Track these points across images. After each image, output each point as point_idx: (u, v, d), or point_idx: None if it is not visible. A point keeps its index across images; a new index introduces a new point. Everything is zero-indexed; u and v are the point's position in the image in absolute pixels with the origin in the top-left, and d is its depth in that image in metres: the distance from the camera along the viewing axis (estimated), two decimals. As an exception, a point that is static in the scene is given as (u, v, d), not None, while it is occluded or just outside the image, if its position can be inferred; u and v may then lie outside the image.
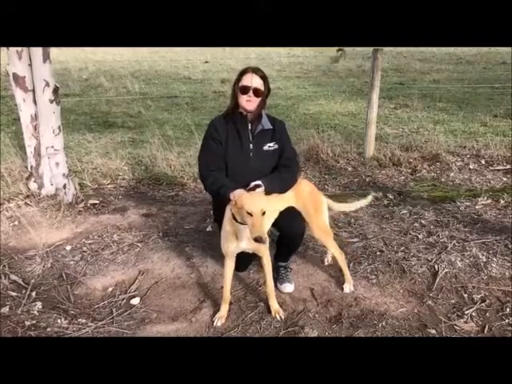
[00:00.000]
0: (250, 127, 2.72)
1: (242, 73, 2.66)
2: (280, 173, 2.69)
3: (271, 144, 2.74)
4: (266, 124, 2.73)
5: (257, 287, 2.92)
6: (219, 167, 2.66)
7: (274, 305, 2.64)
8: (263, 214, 2.24)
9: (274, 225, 2.70)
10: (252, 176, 2.58)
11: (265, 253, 2.57)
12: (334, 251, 2.87)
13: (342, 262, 2.88)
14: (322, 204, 2.83)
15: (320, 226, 2.79)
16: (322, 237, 2.82)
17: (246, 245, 2.50)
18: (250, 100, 2.63)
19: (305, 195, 2.78)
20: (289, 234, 2.75)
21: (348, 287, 2.85)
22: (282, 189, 2.66)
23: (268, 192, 2.55)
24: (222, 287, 2.67)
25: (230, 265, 2.61)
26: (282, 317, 2.60)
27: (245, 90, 2.62)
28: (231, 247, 2.53)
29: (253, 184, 2.53)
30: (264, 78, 2.67)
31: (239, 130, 2.70)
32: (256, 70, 2.65)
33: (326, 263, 3.16)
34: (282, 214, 2.68)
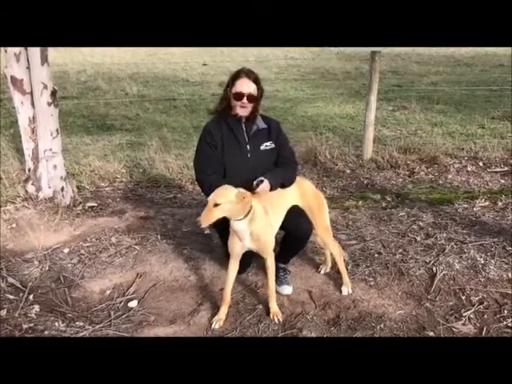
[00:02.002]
0: (244, 128, 2.72)
1: (235, 77, 2.65)
2: (281, 168, 2.71)
3: (268, 143, 2.74)
4: (260, 124, 2.74)
5: (255, 289, 2.91)
6: (215, 171, 2.66)
7: (274, 307, 2.63)
8: (215, 205, 2.30)
9: (281, 227, 2.70)
10: (251, 177, 2.58)
11: (269, 254, 2.58)
12: (333, 251, 2.88)
13: (341, 263, 2.88)
14: (323, 203, 2.86)
15: (323, 225, 2.81)
16: (325, 236, 2.83)
17: (250, 244, 2.51)
18: (243, 106, 2.64)
19: (308, 194, 2.80)
20: (296, 233, 2.75)
21: (346, 289, 2.85)
22: (285, 182, 2.67)
23: (272, 187, 2.56)
24: (222, 289, 2.66)
25: (233, 266, 2.60)
26: (280, 319, 2.60)
27: (239, 96, 2.62)
28: (237, 247, 2.54)
29: (257, 180, 2.53)
30: (257, 80, 2.67)
31: (234, 132, 2.70)
32: (249, 74, 2.64)
33: (321, 272, 3.09)
34: (288, 214, 2.69)
